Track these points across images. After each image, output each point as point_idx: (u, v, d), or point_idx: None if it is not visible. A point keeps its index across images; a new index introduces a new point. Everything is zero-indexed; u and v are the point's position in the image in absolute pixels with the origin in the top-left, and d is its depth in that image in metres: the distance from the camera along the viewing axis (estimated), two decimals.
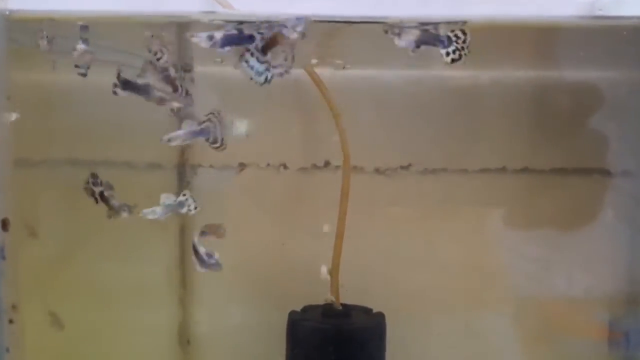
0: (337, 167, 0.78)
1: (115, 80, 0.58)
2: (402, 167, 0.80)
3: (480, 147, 0.80)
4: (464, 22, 0.55)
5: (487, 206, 0.81)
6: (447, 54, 0.55)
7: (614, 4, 0.68)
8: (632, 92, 0.76)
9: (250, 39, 0.56)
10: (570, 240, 0.80)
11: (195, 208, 0.66)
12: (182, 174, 0.81)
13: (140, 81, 0.59)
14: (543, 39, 0.72)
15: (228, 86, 0.78)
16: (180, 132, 0.62)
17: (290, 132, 0.80)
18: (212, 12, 0.54)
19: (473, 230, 0.81)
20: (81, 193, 0.79)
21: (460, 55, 0.56)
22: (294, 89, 0.78)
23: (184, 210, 0.65)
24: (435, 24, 0.55)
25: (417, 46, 0.55)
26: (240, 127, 0.80)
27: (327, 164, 0.80)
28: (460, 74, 0.77)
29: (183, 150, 0.81)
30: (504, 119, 0.79)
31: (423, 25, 0.55)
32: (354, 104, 0.76)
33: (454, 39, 0.55)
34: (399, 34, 0.55)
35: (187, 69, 0.73)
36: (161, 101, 0.59)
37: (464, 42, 0.56)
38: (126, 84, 0.58)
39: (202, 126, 0.63)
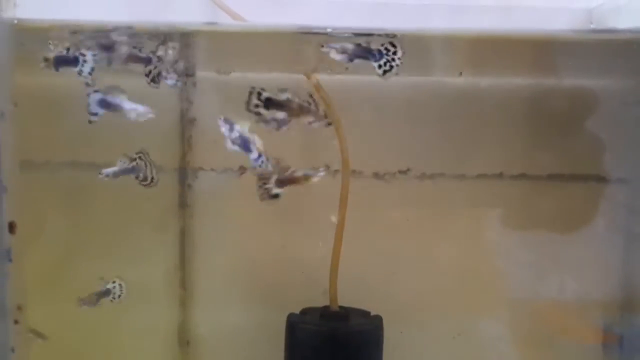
0: (336, 171, 0.79)
1: (256, 101, 0.58)
2: (400, 172, 0.80)
3: (477, 153, 0.80)
4: (394, 35, 0.56)
5: (484, 211, 0.81)
6: (379, 66, 0.56)
7: (612, 15, 0.69)
8: (627, 100, 0.77)
9: (75, 60, 0.57)
10: (566, 245, 0.81)
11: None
12: (183, 177, 0.82)
13: (281, 97, 0.59)
14: (540, 47, 0.73)
15: (228, 91, 0.79)
16: (114, 169, 0.66)
17: (290, 135, 0.81)
18: (215, 23, 0.55)
19: (470, 234, 0.81)
20: (83, 195, 0.80)
21: (391, 66, 0.57)
22: (293, 93, 0.78)
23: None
24: (368, 36, 0.56)
25: (351, 60, 0.56)
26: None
27: (326, 168, 0.80)
28: (458, 81, 0.78)
29: (184, 153, 0.81)
30: (501, 125, 0.80)
31: (357, 36, 0.56)
32: (353, 109, 0.77)
33: (384, 51, 0.56)
34: (334, 48, 0.56)
35: (189, 74, 0.74)
36: (301, 113, 0.59)
37: (394, 53, 0.57)
38: (269, 102, 0.58)
39: (133, 164, 0.67)
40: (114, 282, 0.70)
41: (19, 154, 0.64)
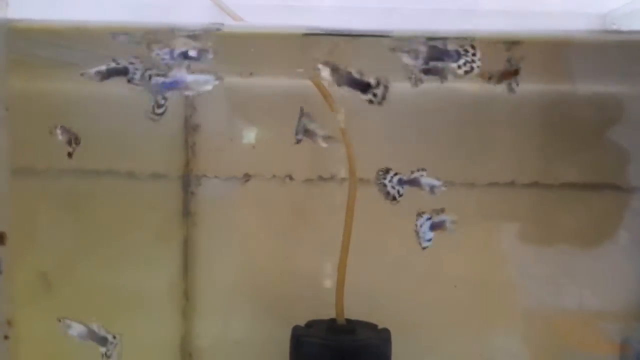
0: (343, 179, 0.77)
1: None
2: None
3: (489, 161, 0.79)
4: (473, 39, 0.54)
5: (496, 221, 0.80)
6: (459, 67, 0.54)
7: (627, 18, 0.67)
8: None
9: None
10: (581, 256, 0.79)
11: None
12: (187, 184, 0.80)
13: None
14: (555, 51, 0.71)
15: (236, 97, 0.78)
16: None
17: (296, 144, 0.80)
18: (221, 24, 0.53)
19: (481, 245, 0.79)
20: (83, 203, 0.79)
21: (472, 67, 0.54)
22: (300, 99, 0.77)
23: None
24: (444, 39, 0.54)
25: (426, 63, 0.55)
26: (249, 136, 0.79)
27: (333, 175, 0.79)
28: (469, 87, 0.76)
29: (188, 160, 0.80)
30: (513, 132, 0.78)
31: (430, 40, 0.54)
32: (360, 115, 0.75)
33: (462, 52, 0.54)
34: (407, 52, 0.54)
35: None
36: None
37: (473, 54, 0.55)
38: None
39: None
40: (114, 336, 0.64)
41: (18, 161, 0.63)
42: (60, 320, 0.61)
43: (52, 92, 0.73)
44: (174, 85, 0.53)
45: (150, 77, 0.53)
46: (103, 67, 0.55)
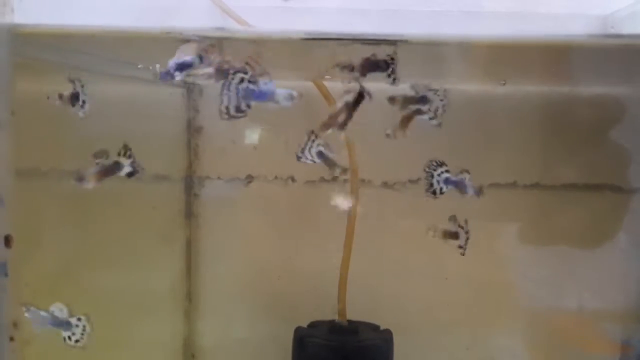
0: (345, 180, 0.77)
1: None
2: (410, 181, 0.79)
3: (490, 161, 0.79)
4: (405, 41, 0.55)
5: (498, 222, 0.80)
6: (388, 76, 0.55)
7: (628, 20, 0.68)
8: None
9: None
10: (582, 256, 0.79)
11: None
12: (189, 186, 0.81)
13: None
14: (557, 54, 0.71)
15: None
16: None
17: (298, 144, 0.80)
18: (222, 29, 0.53)
19: (483, 246, 0.79)
20: (87, 205, 0.79)
21: (395, 77, 0.55)
22: (302, 101, 0.77)
23: None
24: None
25: (363, 75, 0.55)
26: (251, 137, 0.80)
27: (335, 177, 0.79)
28: (469, 87, 0.77)
29: (190, 162, 0.80)
30: (515, 133, 0.78)
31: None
32: (362, 115, 0.76)
33: (390, 62, 0.55)
34: (344, 66, 0.55)
35: None
36: None
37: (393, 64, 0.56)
38: None
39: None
40: (79, 318, 0.57)
41: (23, 162, 0.63)
42: (24, 307, 0.56)
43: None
44: (262, 97, 0.53)
45: (242, 80, 0.53)
46: None
